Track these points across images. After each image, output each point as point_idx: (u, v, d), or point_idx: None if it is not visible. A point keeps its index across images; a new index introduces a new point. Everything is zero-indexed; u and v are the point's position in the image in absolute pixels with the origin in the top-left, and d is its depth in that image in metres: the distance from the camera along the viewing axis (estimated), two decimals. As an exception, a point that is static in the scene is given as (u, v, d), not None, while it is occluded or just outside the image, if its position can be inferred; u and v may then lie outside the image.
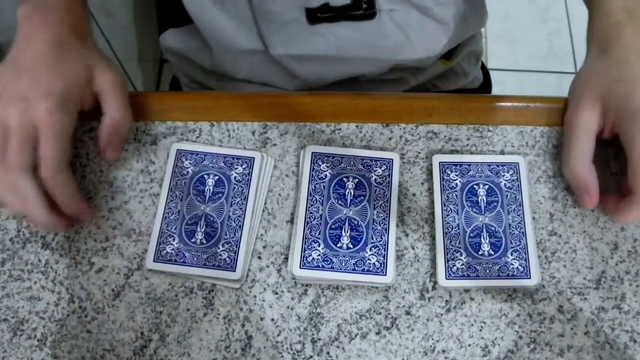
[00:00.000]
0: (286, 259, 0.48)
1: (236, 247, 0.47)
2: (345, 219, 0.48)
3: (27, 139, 0.45)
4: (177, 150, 0.50)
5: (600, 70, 0.49)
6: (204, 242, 0.47)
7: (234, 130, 0.52)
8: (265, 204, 0.50)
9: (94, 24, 0.94)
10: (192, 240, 0.47)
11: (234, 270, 0.46)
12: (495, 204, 0.49)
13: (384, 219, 0.48)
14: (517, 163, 0.50)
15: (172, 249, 0.47)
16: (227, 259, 0.47)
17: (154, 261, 0.47)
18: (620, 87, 0.47)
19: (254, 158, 0.50)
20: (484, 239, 0.47)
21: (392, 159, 0.50)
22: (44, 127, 0.45)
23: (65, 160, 0.46)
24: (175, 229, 0.48)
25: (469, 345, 0.45)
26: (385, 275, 0.46)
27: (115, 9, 1.01)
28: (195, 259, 0.47)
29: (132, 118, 0.50)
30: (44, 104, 0.45)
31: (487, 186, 0.49)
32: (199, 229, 0.48)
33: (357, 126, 0.52)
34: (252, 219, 0.48)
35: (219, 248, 0.47)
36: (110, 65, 0.51)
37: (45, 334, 0.46)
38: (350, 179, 0.49)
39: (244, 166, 0.50)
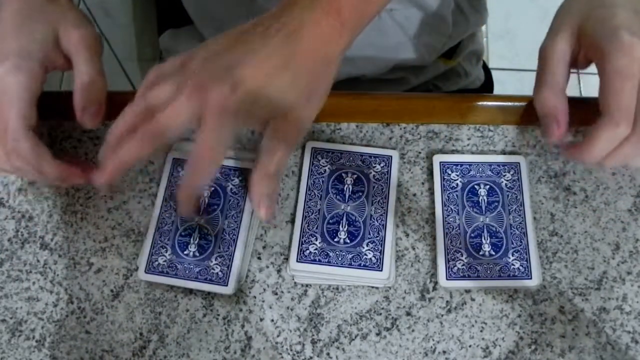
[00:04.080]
0: (286, 259, 0.48)
1: (229, 261, 0.46)
2: (343, 214, 0.48)
3: None
4: (173, 159, 0.50)
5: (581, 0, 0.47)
6: (197, 254, 0.47)
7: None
8: (265, 204, 0.49)
9: (92, 23, 0.94)
10: (185, 252, 0.47)
11: (226, 285, 0.46)
12: (496, 204, 0.48)
13: (381, 215, 0.48)
14: (518, 163, 0.50)
15: (165, 261, 0.46)
16: (220, 273, 0.46)
17: (145, 272, 0.46)
18: (600, 12, 0.45)
19: (250, 170, 0.49)
20: (484, 239, 0.47)
21: (391, 156, 0.50)
22: (1, 92, 0.43)
23: (26, 125, 0.43)
24: (168, 240, 0.47)
25: (470, 346, 0.45)
26: (381, 270, 0.46)
27: (114, 7, 1.01)
28: (187, 272, 0.46)
29: (105, 80, 0.48)
30: None
31: (487, 186, 0.49)
32: (192, 240, 0.47)
33: (357, 126, 0.52)
34: (247, 232, 0.47)
35: (211, 261, 0.46)
36: (78, 23, 0.48)
37: (43, 335, 0.46)
38: (349, 175, 0.49)
39: (240, 178, 0.49)
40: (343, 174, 0.49)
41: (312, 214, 0.48)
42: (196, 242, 0.47)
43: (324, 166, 0.50)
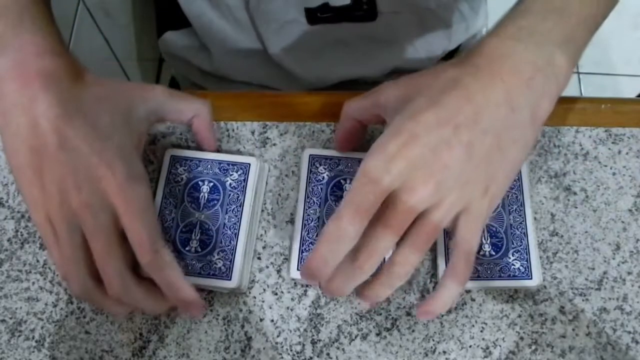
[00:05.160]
0: (286, 259, 0.48)
1: (232, 255, 0.46)
2: None
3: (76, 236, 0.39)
4: (171, 156, 0.49)
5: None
6: (199, 250, 0.46)
7: (233, 130, 0.52)
8: (264, 204, 0.49)
9: (92, 23, 0.94)
10: (187, 248, 0.47)
11: (230, 279, 0.45)
12: (496, 204, 0.48)
13: None
14: (519, 163, 0.50)
15: None
16: (223, 267, 0.46)
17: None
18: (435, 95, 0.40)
19: (249, 164, 0.49)
20: (484, 239, 0.47)
21: None
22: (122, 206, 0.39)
23: (157, 235, 0.41)
24: (169, 236, 0.47)
25: (470, 347, 0.45)
26: None
27: (113, 7, 1.01)
28: (189, 268, 0.46)
29: (209, 106, 0.47)
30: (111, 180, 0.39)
31: (488, 186, 0.49)
32: (193, 236, 0.47)
33: (357, 126, 0.52)
34: (248, 226, 0.47)
35: (213, 256, 0.46)
36: (137, 85, 0.44)
37: (43, 335, 0.46)
38: (348, 182, 0.49)
39: (239, 172, 0.49)
40: (342, 181, 0.49)
41: (312, 221, 0.48)
42: (197, 237, 0.47)
43: (322, 173, 0.49)
